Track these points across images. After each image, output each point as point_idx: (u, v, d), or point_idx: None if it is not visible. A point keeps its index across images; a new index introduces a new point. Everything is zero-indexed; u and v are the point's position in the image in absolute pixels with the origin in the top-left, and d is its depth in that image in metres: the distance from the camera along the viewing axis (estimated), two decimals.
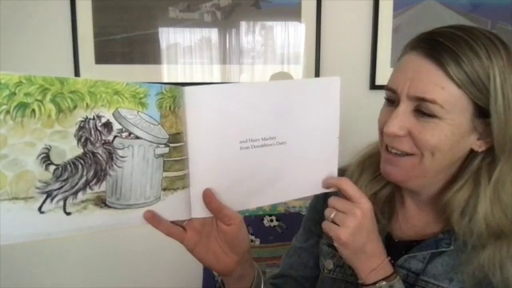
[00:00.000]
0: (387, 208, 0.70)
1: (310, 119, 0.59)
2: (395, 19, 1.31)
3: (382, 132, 0.64)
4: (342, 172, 0.75)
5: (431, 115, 0.57)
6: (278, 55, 1.33)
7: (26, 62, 1.27)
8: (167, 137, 0.51)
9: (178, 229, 0.56)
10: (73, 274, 1.41)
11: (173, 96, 0.50)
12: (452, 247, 0.62)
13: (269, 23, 1.31)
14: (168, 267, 1.42)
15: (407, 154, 0.61)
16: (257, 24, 1.31)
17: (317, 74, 1.32)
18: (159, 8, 1.28)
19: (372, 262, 0.61)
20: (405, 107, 0.59)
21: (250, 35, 1.31)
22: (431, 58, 0.57)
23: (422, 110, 0.58)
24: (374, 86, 1.33)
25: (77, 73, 1.28)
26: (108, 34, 1.28)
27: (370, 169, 0.71)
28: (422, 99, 0.57)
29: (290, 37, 1.32)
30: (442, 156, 0.59)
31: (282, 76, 1.34)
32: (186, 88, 0.51)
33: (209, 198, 0.54)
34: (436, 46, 0.58)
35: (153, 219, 0.53)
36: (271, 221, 1.15)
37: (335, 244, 0.60)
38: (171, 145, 0.52)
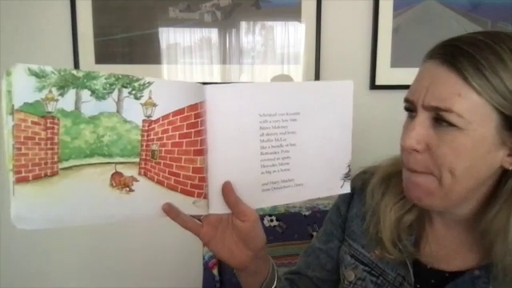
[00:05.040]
0: (415, 229, 0.66)
1: (322, 121, 0.60)
2: (395, 19, 1.31)
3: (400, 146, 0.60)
4: (366, 174, 0.72)
5: (451, 124, 0.52)
6: (277, 55, 1.33)
7: (26, 61, 1.26)
8: None
9: (194, 222, 0.58)
10: (72, 273, 1.41)
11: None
12: (491, 287, 0.58)
13: (269, 23, 1.31)
14: (168, 267, 1.42)
15: (425, 173, 0.56)
16: (257, 24, 1.31)
17: (317, 74, 1.32)
18: (159, 8, 1.28)
19: None
20: (422, 118, 0.55)
21: (250, 35, 1.31)
22: (447, 64, 0.52)
23: (440, 119, 0.53)
24: (374, 85, 1.32)
25: None
26: (108, 34, 1.28)
27: (394, 189, 0.66)
28: (437, 108, 0.52)
29: (290, 37, 1.32)
30: (465, 175, 0.54)
31: (283, 78, 1.34)
32: (207, 86, 0.54)
33: (228, 190, 0.55)
34: (453, 51, 0.53)
35: (171, 212, 0.54)
36: (271, 221, 1.15)
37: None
38: None
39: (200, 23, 1.29)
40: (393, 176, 0.67)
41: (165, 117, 0.53)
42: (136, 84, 0.51)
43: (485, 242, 0.58)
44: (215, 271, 1.12)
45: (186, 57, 1.31)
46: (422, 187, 0.57)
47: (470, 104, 0.51)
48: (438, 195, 0.56)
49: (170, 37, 1.30)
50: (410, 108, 0.58)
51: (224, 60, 1.32)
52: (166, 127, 0.53)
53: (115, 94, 0.50)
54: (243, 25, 1.31)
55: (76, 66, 1.27)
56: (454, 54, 0.52)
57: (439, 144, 0.53)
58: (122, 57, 1.29)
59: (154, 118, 0.52)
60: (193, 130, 0.54)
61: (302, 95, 0.59)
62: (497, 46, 0.51)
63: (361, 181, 0.73)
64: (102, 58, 1.29)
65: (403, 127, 0.60)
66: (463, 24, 1.31)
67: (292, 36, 1.32)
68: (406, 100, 0.58)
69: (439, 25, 1.31)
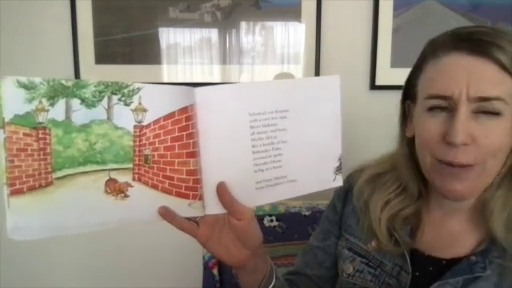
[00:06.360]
0: (412, 220, 0.67)
1: (312, 117, 0.61)
2: (395, 19, 1.31)
3: (429, 144, 0.59)
4: (358, 173, 0.74)
5: (493, 113, 0.55)
6: (277, 55, 1.33)
7: (26, 62, 1.27)
8: None
9: (191, 224, 0.58)
10: (72, 274, 1.41)
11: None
12: (488, 272, 0.59)
13: (269, 23, 1.31)
14: (168, 267, 1.42)
15: (470, 166, 0.57)
16: (257, 24, 1.31)
17: (317, 74, 1.32)
18: (159, 8, 1.28)
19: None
20: (465, 111, 0.55)
21: (250, 35, 1.31)
22: (480, 54, 0.55)
23: (484, 109, 0.55)
24: (373, 86, 1.32)
25: (77, 73, 1.28)
26: (108, 34, 1.28)
27: (383, 188, 0.68)
28: (486, 99, 0.54)
29: (290, 37, 1.32)
30: (502, 156, 0.58)
31: (285, 76, 1.34)
32: (197, 89, 0.54)
33: (222, 190, 0.55)
34: (478, 42, 0.55)
35: (167, 215, 0.55)
36: (271, 221, 1.15)
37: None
38: None
39: (200, 23, 1.29)
40: (377, 177, 0.69)
41: (156, 121, 0.53)
42: (125, 90, 0.51)
43: (486, 213, 0.60)
44: (215, 271, 1.12)
45: (186, 57, 1.31)
46: (469, 181, 0.58)
47: (509, 88, 0.55)
48: (481, 184, 0.59)
49: (169, 37, 1.30)
50: (441, 105, 0.58)
51: (224, 60, 1.32)
52: (157, 132, 0.54)
53: (105, 101, 0.50)
54: (243, 25, 1.31)
55: (76, 66, 1.27)
56: (481, 44, 0.55)
57: (486, 134, 0.55)
58: (122, 57, 1.29)
59: (145, 123, 0.53)
60: (184, 133, 0.54)
61: (290, 92, 0.59)
62: (505, 35, 0.56)
63: (358, 178, 0.75)
64: (101, 57, 1.29)
65: (423, 122, 0.60)
66: (463, 24, 1.30)
67: (292, 36, 1.32)
68: (439, 97, 0.57)
69: (439, 25, 1.31)
